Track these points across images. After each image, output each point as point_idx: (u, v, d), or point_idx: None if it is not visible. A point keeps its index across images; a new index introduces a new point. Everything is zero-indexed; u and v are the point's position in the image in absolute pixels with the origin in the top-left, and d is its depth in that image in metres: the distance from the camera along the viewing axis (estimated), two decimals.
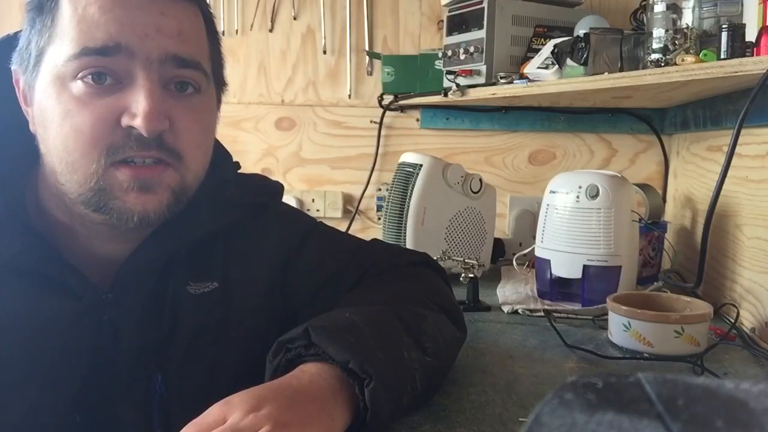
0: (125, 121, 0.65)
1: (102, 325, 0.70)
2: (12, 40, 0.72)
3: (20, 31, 0.72)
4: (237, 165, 0.85)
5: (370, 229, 1.82)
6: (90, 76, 0.65)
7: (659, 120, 1.71)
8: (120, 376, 0.71)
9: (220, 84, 0.78)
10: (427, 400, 0.74)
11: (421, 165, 1.37)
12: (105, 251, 0.73)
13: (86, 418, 0.69)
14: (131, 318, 0.72)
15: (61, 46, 0.65)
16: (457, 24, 1.54)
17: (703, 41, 1.06)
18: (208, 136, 0.74)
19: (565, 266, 1.19)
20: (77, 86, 0.65)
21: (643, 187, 1.43)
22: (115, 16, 0.65)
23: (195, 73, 0.69)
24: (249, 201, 0.82)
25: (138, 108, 0.64)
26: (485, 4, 1.47)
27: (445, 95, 1.53)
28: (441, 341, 0.76)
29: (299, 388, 0.60)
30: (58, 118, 0.66)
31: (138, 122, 0.64)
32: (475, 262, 1.22)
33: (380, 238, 1.30)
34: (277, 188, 0.89)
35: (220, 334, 0.76)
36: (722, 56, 0.96)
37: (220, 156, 0.83)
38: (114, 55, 0.65)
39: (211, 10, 0.76)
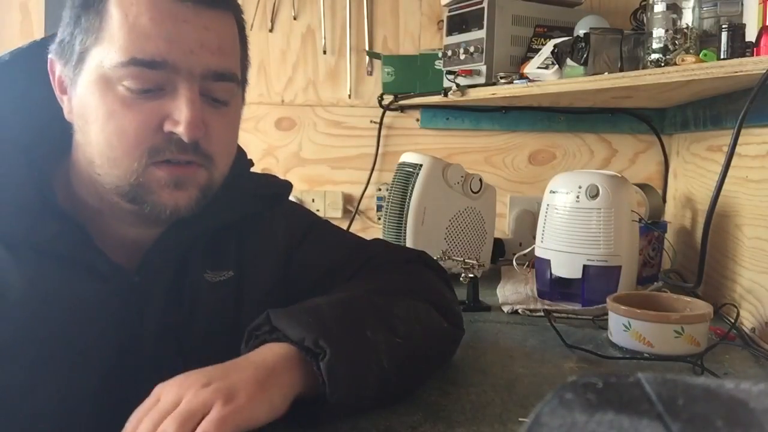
0: (168, 126, 0.70)
1: (129, 307, 0.74)
2: (47, 42, 0.76)
3: (49, 37, 0.75)
4: (251, 162, 0.90)
5: (370, 229, 1.82)
6: (139, 83, 0.69)
7: (659, 120, 1.71)
8: (144, 359, 0.74)
9: (245, 84, 0.83)
10: (409, 388, 0.75)
11: (421, 165, 1.37)
12: (131, 235, 0.77)
13: (112, 398, 0.71)
14: (155, 301, 0.76)
15: (110, 51, 0.69)
16: (457, 24, 1.54)
17: (703, 41, 1.06)
18: (235, 139, 0.81)
19: (565, 266, 1.19)
20: (123, 89, 0.69)
21: (643, 187, 1.43)
22: (164, 30, 0.69)
23: (230, 85, 0.75)
24: (264, 192, 0.87)
25: (181, 116, 0.69)
26: (485, 4, 1.47)
27: (445, 95, 1.53)
28: (416, 325, 0.77)
29: (236, 364, 0.64)
30: (102, 116, 0.70)
31: (180, 129, 0.69)
32: (475, 262, 1.22)
33: (380, 238, 1.30)
34: (287, 186, 0.93)
35: (235, 320, 0.80)
36: (722, 56, 0.96)
37: (237, 152, 0.86)
38: (161, 69, 0.69)
39: (243, 17, 0.80)
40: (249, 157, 0.90)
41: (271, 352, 0.66)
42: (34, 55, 0.76)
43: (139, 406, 0.60)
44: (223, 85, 0.74)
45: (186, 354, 0.76)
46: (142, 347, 0.75)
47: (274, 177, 0.95)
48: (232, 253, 0.83)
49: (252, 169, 0.91)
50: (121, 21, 0.68)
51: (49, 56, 0.75)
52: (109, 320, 0.73)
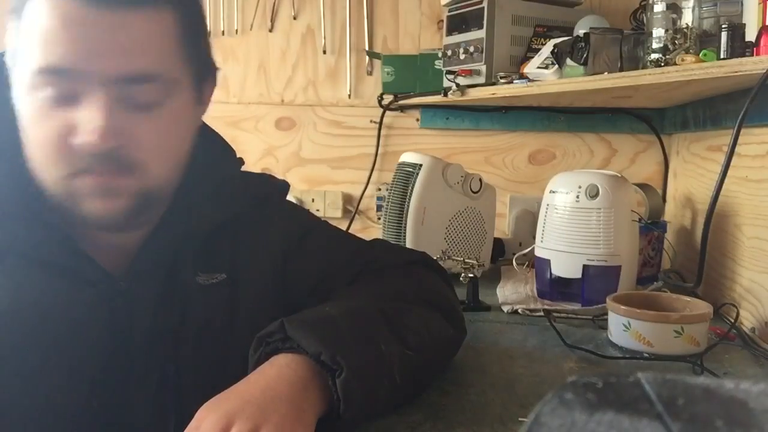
0: (80, 138, 0.66)
1: (116, 312, 0.73)
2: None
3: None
4: (241, 161, 0.87)
5: (370, 229, 1.82)
6: (50, 91, 0.67)
7: (659, 120, 1.71)
8: (135, 365, 0.73)
9: (204, 77, 0.77)
10: (415, 395, 0.75)
11: (421, 165, 1.37)
12: (113, 241, 0.75)
13: (103, 404, 0.71)
14: (144, 306, 0.74)
15: (28, 57, 0.67)
16: (457, 24, 1.54)
17: (703, 41, 1.06)
18: (175, 141, 0.74)
19: (565, 266, 1.19)
20: (40, 98, 0.67)
21: (642, 187, 1.43)
22: (68, 34, 0.65)
23: (152, 86, 0.69)
24: (252, 193, 0.85)
25: (88, 126, 0.66)
26: (485, 4, 1.47)
27: (445, 95, 1.53)
28: (426, 336, 0.76)
29: (267, 387, 0.62)
30: (26, 123, 0.69)
31: (88, 139, 0.66)
32: (475, 262, 1.22)
33: (379, 237, 1.30)
34: (282, 185, 0.91)
35: (228, 324, 0.78)
36: (722, 56, 0.96)
37: (223, 152, 0.85)
38: (67, 75, 0.66)
39: (195, 9, 0.75)
40: (239, 156, 0.87)
41: (289, 369, 0.64)
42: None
43: None
44: (145, 88, 0.68)
45: (178, 359, 0.74)
46: (132, 353, 0.73)
47: (270, 176, 0.93)
48: (226, 256, 0.80)
49: (250, 169, 0.91)
50: (32, 25, 0.66)
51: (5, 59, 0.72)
52: (99, 327, 0.71)
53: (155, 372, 0.74)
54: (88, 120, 0.66)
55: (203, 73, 0.77)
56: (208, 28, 0.82)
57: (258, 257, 0.83)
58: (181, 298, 0.76)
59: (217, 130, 0.86)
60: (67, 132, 0.67)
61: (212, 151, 0.83)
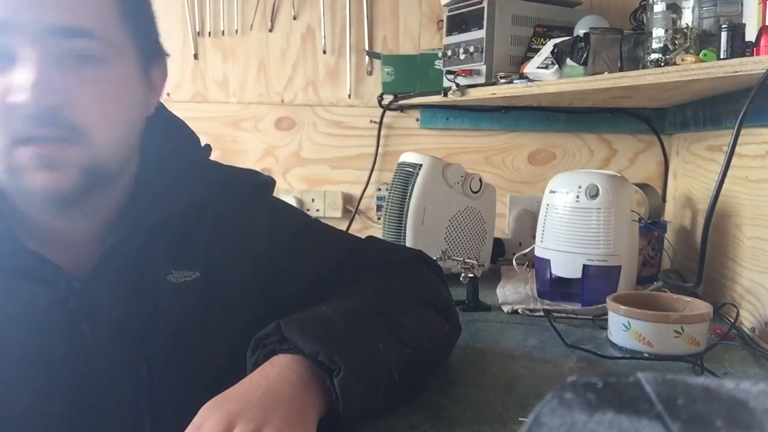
0: (12, 98, 0.63)
1: (73, 312, 0.71)
2: None
3: None
4: (207, 149, 0.84)
5: (369, 229, 1.82)
6: None
7: (659, 120, 1.71)
8: (102, 366, 0.72)
9: (149, 52, 0.74)
10: (414, 394, 0.75)
11: (420, 165, 1.37)
12: (58, 229, 0.73)
13: (70, 406, 0.70)
14: (105, 305, 0.72)
15: None
16: (457, 24, 1.54)
17: (703, 41, 1.06)
18: (119, 108, 0.70)
19: (565, 266, 1.19)
20: None
21: (642, 186, 1.43)
22: None
23: (90, 43, 0.66)
24: (221, 180, 0.82)
25: (22, 83, 0.63)
26: (485, 4, 1.47)
27: (445, 95, 1.53)
28: (423, 334, 0.76)
29: (268, 388, 0.61)
30: None
31: (22, 98, 0.62)
32: (474, 261, 1.22)
33: (380, 238, 1.30)
34: (267, 181, 0.88)
35: (204, 323, 0.77)
36: (722, 56, 0.96)
37: (186, 140, 0.82)
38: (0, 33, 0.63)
39: None
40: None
41: (289, 370, 0.63)
42: None
43: None
44: (82, 43, 0.65)
45: (150, 360, 0.73)
46: (96, 356, 0.71)
47: (254, 171, 0.90)
48: (200, 253, 0.78)
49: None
50: None
51: None
52: (55, 328, 0.70)
53: (125, 372, 0.72)
54: (22, 77, 0.63)
55: (150, 54, 0.74)
56: (154, 15, 0.77)
57: (236, 255, 0.80)
58: (151, 296, 0.74)
59: (189, 123, 0.84)
60: (4, 94, 0.63)
61: (174, 140, 0.81)
